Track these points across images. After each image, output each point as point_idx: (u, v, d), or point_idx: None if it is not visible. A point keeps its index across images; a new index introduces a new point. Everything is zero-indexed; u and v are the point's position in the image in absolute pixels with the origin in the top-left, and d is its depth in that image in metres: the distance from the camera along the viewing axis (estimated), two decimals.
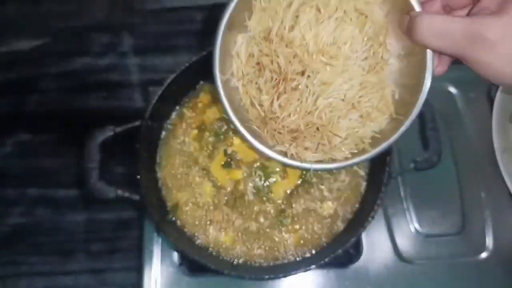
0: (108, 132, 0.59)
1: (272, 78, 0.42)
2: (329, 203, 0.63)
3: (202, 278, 0.66)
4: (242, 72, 0.44)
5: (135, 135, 0.59)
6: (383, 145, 0.43)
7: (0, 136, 0.79)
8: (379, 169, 0.60)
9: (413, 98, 0.41)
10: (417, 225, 0.69)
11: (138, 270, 0.67)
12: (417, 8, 0.37)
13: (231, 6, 0.41)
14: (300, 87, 0.41)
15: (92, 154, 0.57)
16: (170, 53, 0.83)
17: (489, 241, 0.67)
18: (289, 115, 0.42)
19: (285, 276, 0.56)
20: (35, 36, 0.85)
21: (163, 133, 0.67)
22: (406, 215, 0.69)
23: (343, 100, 0.41)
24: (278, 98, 0.41)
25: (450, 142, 0.73)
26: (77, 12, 0.86)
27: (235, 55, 0.44)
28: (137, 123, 0.60)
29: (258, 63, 0.43)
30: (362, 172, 0.65)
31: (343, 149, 0.44)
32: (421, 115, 0.59)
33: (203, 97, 0.68)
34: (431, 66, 0.38)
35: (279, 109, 0.42)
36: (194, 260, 0.56)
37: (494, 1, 0.32)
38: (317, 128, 0.42)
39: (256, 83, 0.43)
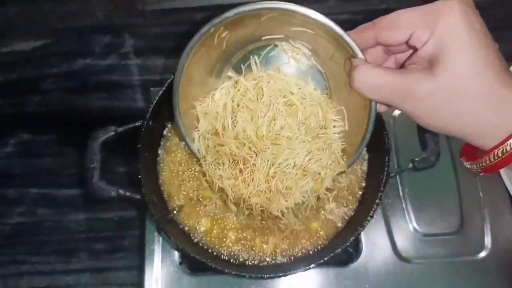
0: (109, 132, 0.59)
1: (230, 160, 0.50)
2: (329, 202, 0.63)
3: (203, 277, 0.66)
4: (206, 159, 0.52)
5: (136, 135, 0.59)
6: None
7: (2, 136, 0.79)
8: (378, 169, 0.61)
9: (361, 128, 0.46)
10: (415, 225, 0.69)
11: (139, 269, 0.68)
12: (358, 54, 0.40)
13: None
14: (256, 163, 0.48)
15: (93, 154, 0.58)
16: (171, 54, 0.84)
17: (488, 241, 0.68)
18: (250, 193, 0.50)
19: (285, 275, 0.56)
20: (37, 37, 0.86)
21: (164, 133, 0.67)
22: (405, 214, 0.70)
23: (293, 167, 0.48)
24: (240, 176, 0.50)
25: (448, 142, 0.73)
26: (79, 13, 0.86)
27: (196, 149, 0.53)
28: (138, 123, 0.60)
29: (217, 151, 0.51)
30: (361, 172, 0.65)
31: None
32: None
33: None
34: (374, 106, 0.43)
35: (243, 184, 0.50)
36: (195, 259, 0.56)
37: (427, 56, 0.34)
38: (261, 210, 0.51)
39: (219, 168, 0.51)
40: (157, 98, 0.61)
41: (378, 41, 0.38)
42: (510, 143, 0.32)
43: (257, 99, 0.49)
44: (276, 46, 0.49)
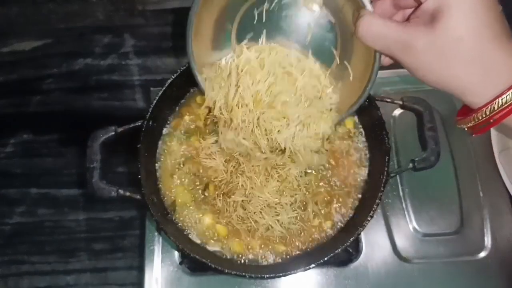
0: (109, 132, 0.59)
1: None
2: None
3: (203, 277, 0.66)
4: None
5: (137, 135, 0.60)
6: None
7: (3, 136, 0.80)
8: (378, 169, 0.61)
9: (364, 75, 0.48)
10: (415, 225, 0.69)
11: (139, 269, 0.68)
12: (366, 5, 0.41)
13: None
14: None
15: (94, 154, 0.58)
16: (171, 54, 0.84)
17: (487, 241, 0.68)
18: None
19: (285, 275, 0.56)
20: (37, 37, 0.86)
21: (164, 133, 0.67)
22: (405, 214, 0.70)
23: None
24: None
25: (448, 142, 0.73)
26: (79, 13, 0.86)
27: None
28: (139, 123, 0.60)
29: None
30: (361, 172, 0.65)
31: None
32: (419, 116, 0.60)
33: (201, 98, 0.68)
34: (378, 57, 0.44)
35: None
36: (195, 259, 0.56)
37: (429, 11, 0.35)
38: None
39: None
40: (157, 98, 0.61)
41: None
42: (498, 101, 0.33)
43: (260, 67, 0.52)
44: None
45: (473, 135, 0.38)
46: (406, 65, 0.37)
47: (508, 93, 0.33)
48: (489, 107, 0.34)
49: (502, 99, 0.33)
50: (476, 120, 0.36)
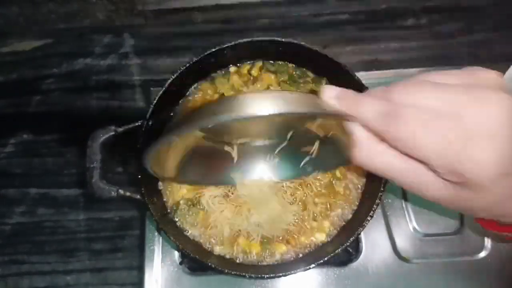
0: (110, 132, 0.59)
1: None
2: None
3: (203, 277, 0.66)
4: None
5: (137, 135, 0.60)
6: None
7: (3, 136, 0.80)
8: None
9: None
10: (415, 225, 0.69)
11: (139, 269, 0.68)
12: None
13: None
14: None
15: (94, 154, 0.58)
16: (171, 54, 0.84)
17: (487, 241, 0.68)
18: None
19: (285, 275, 0.56)
20: (37, 37, 0.86)
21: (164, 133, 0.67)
22: (405, 214, 0.70)
23: None
24: None
25: None
26: (79, 13, 0.86)
27: None
28: (138, 123, 0.60)
29: None
30: (361, 172, 0.65)
31: None
32: None
33: (200, 98, 0.68)
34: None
35: None
36: (195, 259, 0.56)
37: None
38: None
39: None
40: (157, 98, 0.61)
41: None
42: None
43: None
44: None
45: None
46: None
47: None
48: None
49: None
50: None
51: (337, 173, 0.65)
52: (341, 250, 0.56)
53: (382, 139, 0.32)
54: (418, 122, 0.29)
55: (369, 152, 0.32)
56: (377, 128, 0.31)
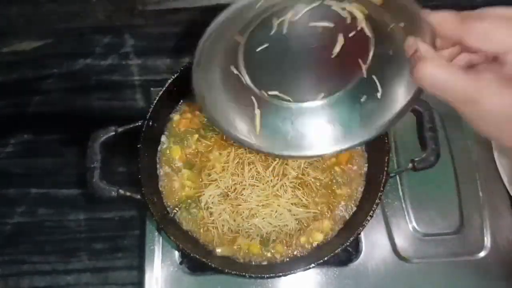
0: (110, 132, 0.59)
1: None
2: None
3: (203, 277, 0.66)
4: None
5: (137, 135, 0.60)
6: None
7: (3, 136, 0.80)
8: (378, 169, 0.61)
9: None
10: (415, 225, 0.69)
11: (139, 269, 0.68)
12: (430, 40, 0.35)
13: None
14: None
15: (94, 154, 0.58)
16: (171, 54, 0.84)
17: (487, 241, 0.68)
18: None
19: (285, 275, 0.56)
20: (37, 37, 0.86)
21: (164, 132, 0.67)
22: (404, 214, 0.70)
23: None
24: None
25: (448, 142, 0.73)
26: (79, 13, 0.86)
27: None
28: (139, 123, 0.60)
29: None
30: (361, 172, 0.66)
31: None
32: (419, 116, 0.60)
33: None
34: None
35: None
36: (195, 259, 0.56)
37: (508, 65, 0.31)
38: None
39: None
40: (157, 98, 0.61)
41: (457, 40, 0.33)
42: None
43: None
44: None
45: None
46: (467, 118, 0.32)
47: None
48: None
49: None
50: None
51: (337, 173, 0.65)
52: (341, 250, 0.56)
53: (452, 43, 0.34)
54: (494, 19, 0.31)
55: (433, 64, 0.32)
56: (451, 25, 0.33)
